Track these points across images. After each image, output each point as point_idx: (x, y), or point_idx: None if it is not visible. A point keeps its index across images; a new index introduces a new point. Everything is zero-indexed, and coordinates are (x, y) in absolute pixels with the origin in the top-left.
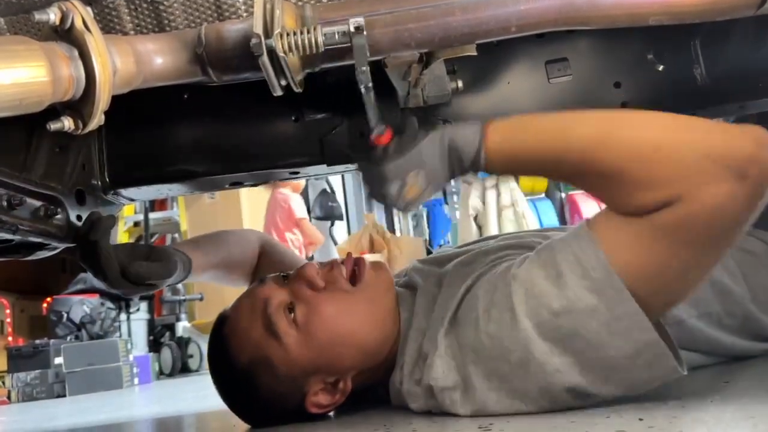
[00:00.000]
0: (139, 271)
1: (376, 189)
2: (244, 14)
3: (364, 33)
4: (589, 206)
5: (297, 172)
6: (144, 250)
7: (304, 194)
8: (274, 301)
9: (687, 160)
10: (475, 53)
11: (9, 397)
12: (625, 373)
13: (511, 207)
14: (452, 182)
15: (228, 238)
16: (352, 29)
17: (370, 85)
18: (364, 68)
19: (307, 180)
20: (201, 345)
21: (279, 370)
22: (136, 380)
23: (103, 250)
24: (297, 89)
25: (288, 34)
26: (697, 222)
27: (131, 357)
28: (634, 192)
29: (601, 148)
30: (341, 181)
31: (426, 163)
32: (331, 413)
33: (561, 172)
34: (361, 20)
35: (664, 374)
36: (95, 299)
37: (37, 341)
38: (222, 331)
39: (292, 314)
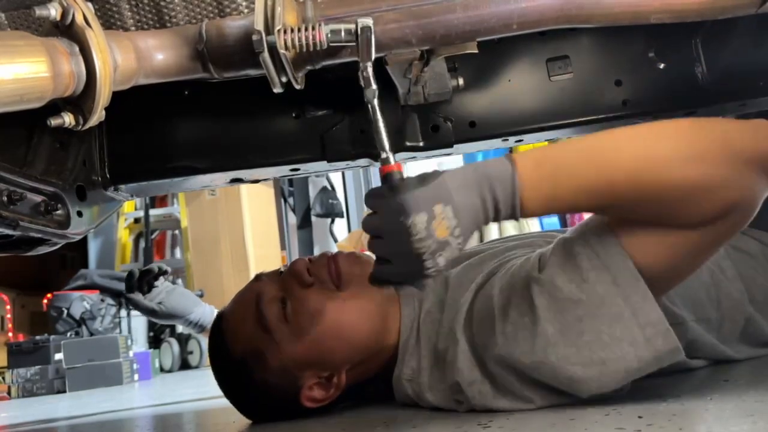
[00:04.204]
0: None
1: (397, 224)
2: (245, 10)
3: (372, 32)
4: None
5: (297, 169)
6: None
7: (304, 191)
8: (265, 296)
9: (737, 165)
10: (476, 51)
11: (9, 393)
12: (636, 372)
13: None
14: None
15: None
16: (360, 27)
17: (374, 87)
18: (368, 67)
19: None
20: (201, 341)
21: (272, 364)
22: (136, 376)
23: (133, 302)
24: (298, 86)
25: (289, 31)
26: (744, 223)
27: (131, 353)
28: (689, 215)
29: (653, 172)
30: (341, 178)
31: (453, 197)
32: (331, 409)
33: (607, 206)
34: (369, 21)
35: (669, 364)
36: (95, 295)
37: (38, 337)
38: (219, 328)
39: (284, 309)
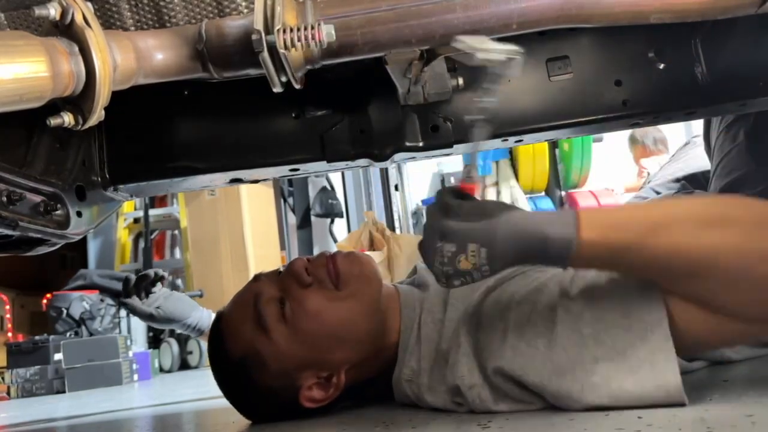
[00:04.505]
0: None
1: (429, 240)
2: (245, 10)
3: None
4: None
5: (297, 169)
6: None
7: (304, 191)
8: (264, 296)
9: None
10: None
11: (8, 393)
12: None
13: None
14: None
15: None
16: None
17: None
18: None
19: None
20: (200, 342)
21: (270, 364)
22: (135, 376)
23: (130, 307)
24: (297, 86)
25: (288, 31)
26: None
27: (131, 353)
28: (735, 303)
29: (707, 252)
30: (341, 179)
31: (496, 244)
32: (331, 409)
33: (664, 278)
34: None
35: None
36: (95, 295)
37: (37, 337)
38: (218, 328)
39: (283, 309)
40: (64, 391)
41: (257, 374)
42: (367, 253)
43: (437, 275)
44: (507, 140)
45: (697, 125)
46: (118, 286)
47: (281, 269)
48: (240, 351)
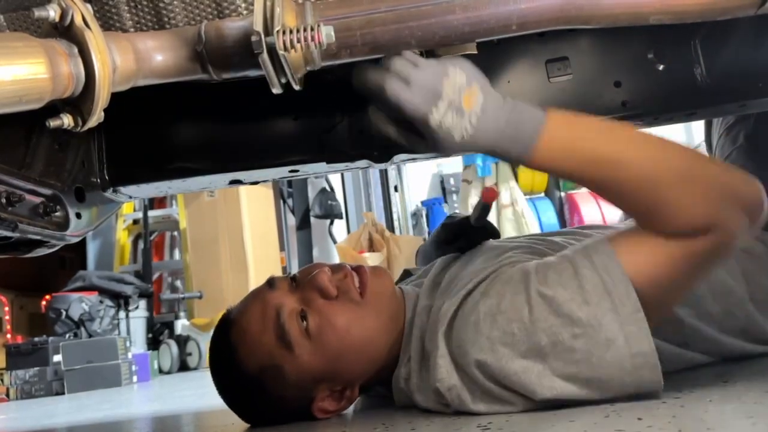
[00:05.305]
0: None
1: (444, 64)
2: (245, 12)
3: None
4: (589, 206)
5: (296, 171)
6: None
7: (303, 193)
8: (286, 309)
9: (725, 194)
10: (475, 52)
11: (7, 395)
12: (612, 395)
13: (510, 206)
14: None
15: None
16: None
17: None
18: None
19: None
20: (200, 343)
21: (289, 378)
22: (134, 378)
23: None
24: (297, 87)
25: (288, 32)
26: (721, 250)
27: (130, 355)
28: (678, 217)
29: (656, 172)
30: (341, 180)
31: (479, 79)
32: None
33: (607, 181)
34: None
35: (648, 390)
36: (94, 297)
37: (36, 338)
38: (229, 336)
39: (305, 323)
40: (63, 393)
41: (273, 388)
42: (366, 254)
43: (435, 96)
44: None
45: (697, 126)
46: (118, 287)
47: (291, 274)
48: (257, 364)
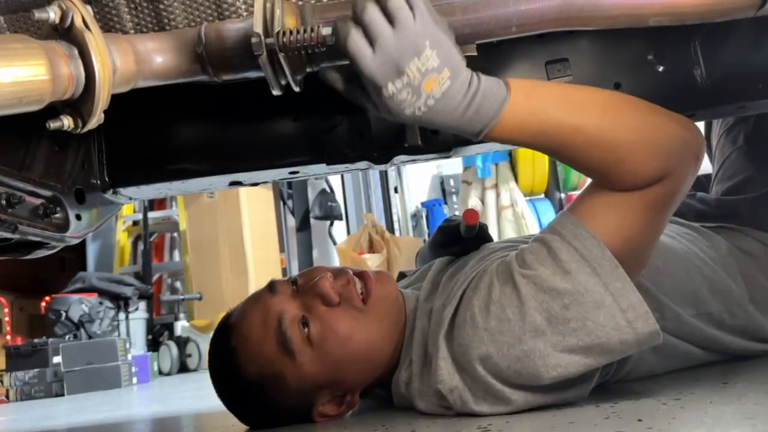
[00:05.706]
0: None
1: (415, 39)
2: (244, 13)
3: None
4: None
5: (296, 172)
6: None
7: (303, 194)
8: (288, 317)
9: (675, 143)
10: (475, 53)
11: (7, 396)
12: (617, 355)
13: (510, 207)
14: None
15: None
16: None
17: None
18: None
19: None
20: (200, 344)
21: (290, 385)
22: (134, 379)
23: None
24: (297, 88)
25: (288, 33)
26: (676, 195)
27: (130, 356)
28: (635, 172)
29: (611, 132)
30: (340, 181)
31: (454, 63)
32: None
33: (564, 147)
34: None
35: (648, 343)
36: (94, 298)
37: (36, 340)
38: (229, 342)
39: (306, 330)
40: (62, 394)
41: (274, 394)
42: (366, 256)
43: (397, 71)
44: None
45: None
46: (117, 288)
47: (292, 278)
48: (258, 371)
